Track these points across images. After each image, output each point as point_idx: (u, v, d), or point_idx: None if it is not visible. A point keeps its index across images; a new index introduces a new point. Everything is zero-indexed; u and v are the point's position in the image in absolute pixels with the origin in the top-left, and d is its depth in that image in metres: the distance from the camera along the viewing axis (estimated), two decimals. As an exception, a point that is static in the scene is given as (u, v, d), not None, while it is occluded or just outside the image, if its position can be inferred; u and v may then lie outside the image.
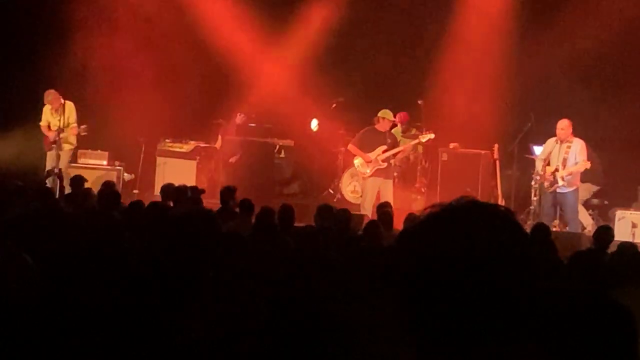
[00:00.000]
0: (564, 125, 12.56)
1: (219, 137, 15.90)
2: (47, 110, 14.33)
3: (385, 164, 13.34)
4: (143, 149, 15.59)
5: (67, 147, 14.29)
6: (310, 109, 15.89)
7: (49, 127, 14.30)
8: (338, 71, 15.81)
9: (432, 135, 13.91)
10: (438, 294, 1.65)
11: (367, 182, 13.39)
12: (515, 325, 1.65)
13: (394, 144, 13.58)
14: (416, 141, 14.11)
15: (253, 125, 15.66)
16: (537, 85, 14.61)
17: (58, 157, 14.20)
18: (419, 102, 14.88)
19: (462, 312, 1.64)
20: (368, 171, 13.33)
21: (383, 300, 4.16)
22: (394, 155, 13.53)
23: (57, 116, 14.18)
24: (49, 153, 14.29)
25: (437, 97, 14.97)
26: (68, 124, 14.18)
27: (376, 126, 13.50)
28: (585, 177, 13.40)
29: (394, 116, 14.03)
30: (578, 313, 2.38)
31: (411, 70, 15.56)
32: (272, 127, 15.65)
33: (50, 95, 14.19)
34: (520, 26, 14.93)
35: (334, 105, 15.73)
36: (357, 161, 13.50)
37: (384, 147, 13.33)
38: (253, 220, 9.08)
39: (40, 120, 14.39)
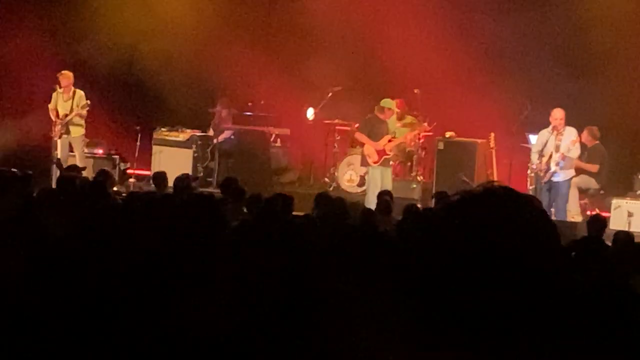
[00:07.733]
0: (562, 115, 12.61)
1: (211, 125, 15.88)
2: (59, 94, 13.97)
3: (392, 153, 13.39)
4: (139, 137, 15.54)
5: (79, 131, 13.99)
6: (306, 97, 15.86)
7: (56, 113, 13.95)
8: (334, 60, 15.75)
9: (427, 127, 13.96)
10: (458, 283, 1.58)
11: (375, 171, 13.29)
12: (540, 313, 1.59)
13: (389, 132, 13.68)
14: (416, 132, 14.01)
15: (249, 114, 15.62)
16: (533, 73, 14.60)
17: (69, 144, 13.95)
18: (416, 91, 14.84)
19: (484, 300, 1.56)
20: (376, 159, 13.30)
21: (381, 288, 4.16)
22: (397, 144, 13.63)
23: (68, 101, 13.88)
24: (59, 141, 13.95)
25: (434, 86, 14.94)
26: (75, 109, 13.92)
27: (380, 115, 13.51)
28: (592, 175, 13.58)
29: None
30: (600, 302, 2.35)
31: (408, 59, 15.51)
32: (268, 116, 15.61)
33: (69, 76, 13.95)
34: (518, 15, 14.91)
35: (330, 94, 15.69)
36: (366, 149, 13.45)
37: (389, 137, 13.37)
38: (244, 209, 9.10)
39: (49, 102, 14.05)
